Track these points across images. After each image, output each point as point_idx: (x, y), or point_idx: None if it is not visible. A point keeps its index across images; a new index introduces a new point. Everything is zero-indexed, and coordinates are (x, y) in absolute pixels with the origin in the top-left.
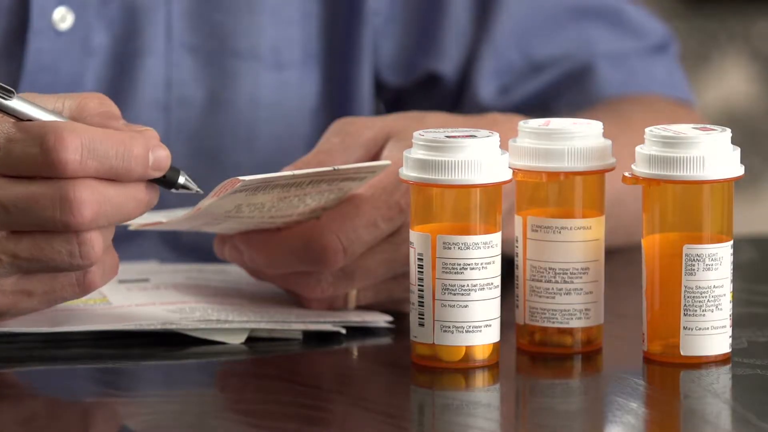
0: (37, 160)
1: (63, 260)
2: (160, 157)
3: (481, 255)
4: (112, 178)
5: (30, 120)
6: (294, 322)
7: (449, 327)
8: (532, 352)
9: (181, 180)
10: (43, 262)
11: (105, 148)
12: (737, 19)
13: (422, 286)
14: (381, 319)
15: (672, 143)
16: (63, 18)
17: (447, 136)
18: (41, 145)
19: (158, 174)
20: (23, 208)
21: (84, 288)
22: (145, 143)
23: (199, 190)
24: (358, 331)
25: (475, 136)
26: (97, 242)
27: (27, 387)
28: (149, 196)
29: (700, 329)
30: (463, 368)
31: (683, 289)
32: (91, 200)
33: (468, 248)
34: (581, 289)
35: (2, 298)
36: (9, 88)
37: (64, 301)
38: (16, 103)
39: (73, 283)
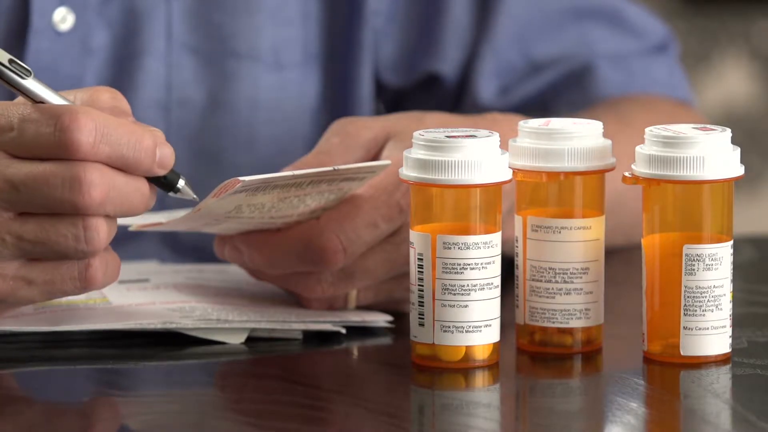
0: (50, 140)
1: (68, 245)
2: (165, 154)
3: (481, 255)
4: (121, 167)
5: (43, 102)
6: (294, 322)
7: (449, 327)
8: (532, 352)
9: (181, 183)
10: (47, 245)
11: (118, 136)
12: (737, 19)
13: (422, 286)
14: (381, 319)
15: (672, 143)
16: (63, 18)
17: (447, 136)
18: (56, 125)
19: (162, 171)
20: (33, 187)
21: (84, 283)
22: (154, 138)
23: (195, 197)
24: (358, 331)
25: (475, 136)
26: (102, 229)
27: (27, 387)
28: (150, 193)
29: (700, 329)
30: (463, 368)
31: (683, 289)
32: (101, 183)
33: (468, 248)
34: (581, 289)
35: (2, 284)
36: (27, 67)
37: (64, 295)
38: (31, 83)
39: (74, 277)
